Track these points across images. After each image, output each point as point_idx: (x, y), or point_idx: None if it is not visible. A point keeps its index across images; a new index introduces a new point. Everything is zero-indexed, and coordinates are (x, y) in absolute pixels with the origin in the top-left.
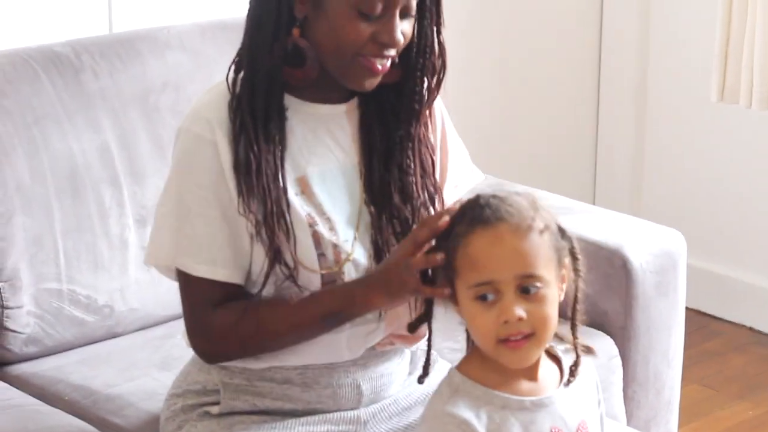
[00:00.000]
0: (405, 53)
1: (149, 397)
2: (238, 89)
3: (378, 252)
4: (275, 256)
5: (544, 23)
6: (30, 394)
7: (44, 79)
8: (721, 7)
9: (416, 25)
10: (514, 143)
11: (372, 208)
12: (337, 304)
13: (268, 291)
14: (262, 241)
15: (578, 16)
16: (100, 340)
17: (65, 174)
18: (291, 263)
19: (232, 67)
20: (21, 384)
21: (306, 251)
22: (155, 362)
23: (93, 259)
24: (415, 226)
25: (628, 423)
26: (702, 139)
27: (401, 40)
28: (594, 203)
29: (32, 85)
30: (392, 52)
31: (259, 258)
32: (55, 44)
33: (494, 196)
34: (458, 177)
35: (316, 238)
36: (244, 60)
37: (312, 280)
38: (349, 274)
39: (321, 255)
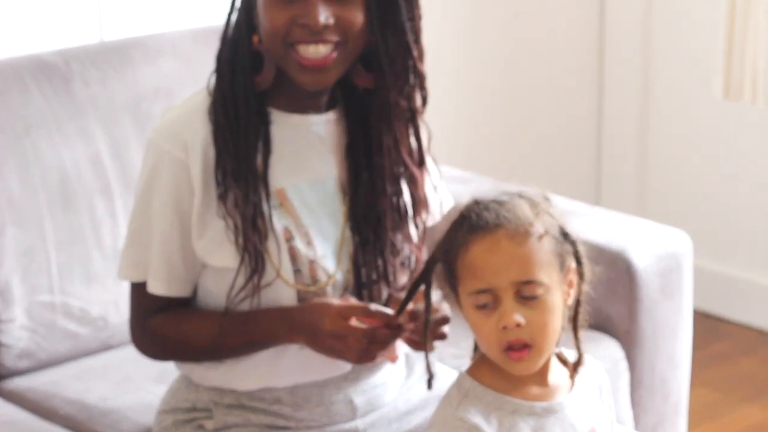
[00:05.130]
0: (376, 61)
1: (145, 410)
2: (214, 96)
3: (357, 269)
4: (256, 265)
5: (546, 22)
6: (24, 409)
7: (34, 89)
8: (725, 3)
9: (378, 34)
10: (517, 144)
11: (354, 224)
12: (260, 335)
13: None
14: (239, 249)
15: (580, 14)
16: (95, 353)
17: (57, 185)
18: (272, 274)
19: (214, 74)
20: (15, 399)
21: (282, 266)
22: (151, 375)
23: (86, 271)
24: (371, 306)
25: (636, 428)
26: (707, 137)
27: (322, 20)
28: (599, 204)
29: (22, 95)
30: (331, 36)
31: (226, 273)
32: (44, 53)
33: (493, 201)
34: (436, 204)
35: (293, 253)
36: (216, 67)
37: (287, 296)
38: (330, 293)
39: (297, 271)
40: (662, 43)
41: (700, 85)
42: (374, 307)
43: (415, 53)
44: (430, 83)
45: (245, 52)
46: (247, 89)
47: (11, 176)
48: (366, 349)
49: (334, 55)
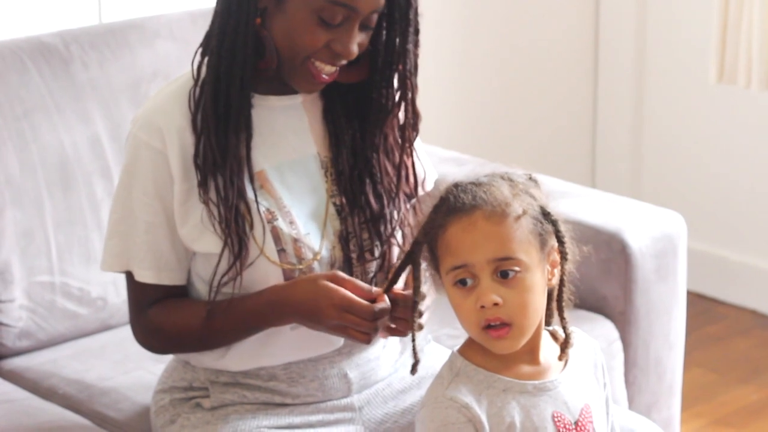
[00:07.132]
0: (373, 57)
1: (144, 389)
2: (203, 74)
3: (344, 244)
4: (239, 249)
5: (542, 7)
6: (24, 389)
7: (33, 71)
8: None
9: (385, 33)
10: (513, 127)
11: (340, 200)
12: (250, 320)
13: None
14: (220, 235)
15: None
16: (94, 333)
17: (56, 166)
18: (255, 252)
19: (199, 51)
20: (14, 378)
21: (265, 246)
22: (149, 355)
23: (85, 252)
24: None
25: (630, 408)
26: (701, 120)
27: (355, 51)
28: (594, 186)
29: (21, 76)
30: (343, 61)
31: (211, 257)
32: (43, 35)
33: (472, 183)
34: (422, 175)
35: (275, 233)
36: (212, 44)
37: (273, 275)
38: (316, 269)
39: (281, 250)
40: (657, 27)
41: (694, 69)
42: (378, 307)
43: (414, 59)
44: (428, 65)
45: (250, 36)
46: (245, 74)
47: (10, 158)
48: (368, 337)
49: (337, 73)
